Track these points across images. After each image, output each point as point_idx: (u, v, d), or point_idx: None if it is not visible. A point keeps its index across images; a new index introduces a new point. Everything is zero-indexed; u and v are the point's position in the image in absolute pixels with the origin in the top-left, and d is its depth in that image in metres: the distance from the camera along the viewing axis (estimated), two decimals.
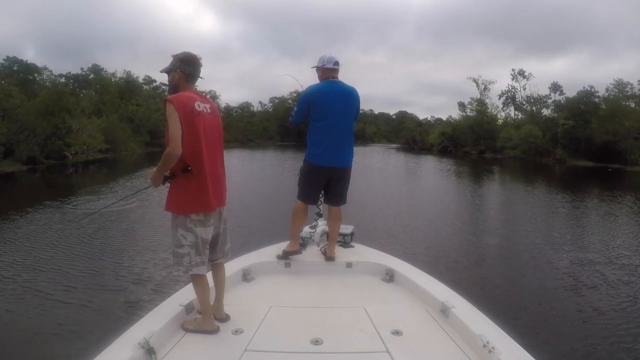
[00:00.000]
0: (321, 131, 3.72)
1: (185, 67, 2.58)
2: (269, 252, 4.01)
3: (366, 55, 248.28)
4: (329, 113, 3.68)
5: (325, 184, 3.86)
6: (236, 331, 2.62)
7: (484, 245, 9.07)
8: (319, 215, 4.24)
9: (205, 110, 2.55)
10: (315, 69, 3.89)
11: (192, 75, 2.62)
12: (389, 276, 3.60)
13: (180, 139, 2.39)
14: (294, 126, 4.10)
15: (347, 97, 3.78)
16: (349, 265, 3.80)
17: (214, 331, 2.59)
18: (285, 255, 3.83)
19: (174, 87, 2.61)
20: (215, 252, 2.77)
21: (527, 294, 6.22)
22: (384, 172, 27.17)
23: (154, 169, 2.51)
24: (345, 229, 4.35)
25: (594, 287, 6.43)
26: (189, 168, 2.49)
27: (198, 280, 2.63)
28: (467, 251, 8.50)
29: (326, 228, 4.20)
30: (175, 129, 2.39)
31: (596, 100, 41.01)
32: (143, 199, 12.51)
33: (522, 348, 2.23)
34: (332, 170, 3.80)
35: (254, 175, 23.69)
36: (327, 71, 3.79)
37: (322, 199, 4.07)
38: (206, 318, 2.61)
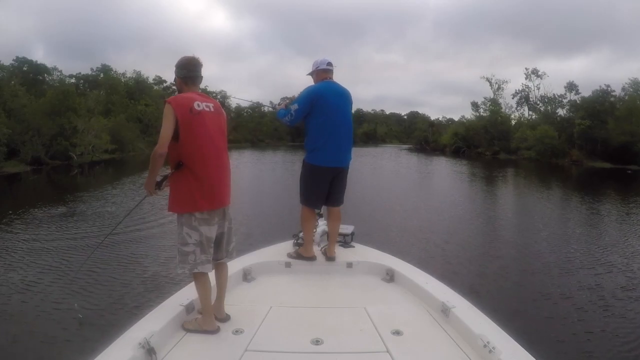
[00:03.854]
0: (323, 131, 3.69)
1: (180, 72, 2.68)
2: (270, 252, 4.03)
3: (382, 54, 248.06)
4: (330, 113, 3.67)
5: (329, 185, 3.83)
6: (237, 331, 2.62)
7: (486, 246, 8.89)
8: (320, 215, 4.23)
9: (206, 109, 2.58)
10: (310, 75, 3.94)
11: (190, 77, 2.68)
12: (390, 276, 3.58)
13: (167, 140, 2.43)
14: (291, 126, 4.12)
15: (345, 97, 3.82)
16: (349, 265, 3.79)
17: (215, 331, 2.59)
18: (299, 257, 3.85)
19: (178, 92, 2.72)
20: (219, 251, 2.77)
21: (528, 294, 6.11)
22: (393, 173, 26.70)
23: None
24: (346, 229, 4.36)
25: (596, 289, 6.24)
26: (181, 163, 2.51)
27: (200, 279, 2.63)
28: (468, 251, 8.33)
29: (326, 228, 4.18)
30: (165, 129, 2.43)
31: (612, 99, 39.79)
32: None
33: (522, 348, 2.20)
34: (335, 170, 3.80)
35: (257, 175, 23.37)
36: (323, 72, 3.82)
37: None
38: (207, 318, 2.61)
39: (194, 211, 2.54)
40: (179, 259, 2.59)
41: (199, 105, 2.54)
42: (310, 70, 3.92)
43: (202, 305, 2.66)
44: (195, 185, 2.52)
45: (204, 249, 2.58)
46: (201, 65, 2.71)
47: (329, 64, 3.81)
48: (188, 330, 2.59)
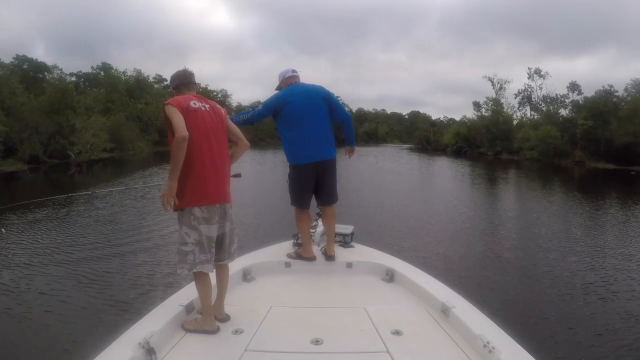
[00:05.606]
0: (295, 130, 3.76)
1: (173, 83, 2.87)
2: (269, 252, 4.04)
3: (385, 53, 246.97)
4: (300, 111, 3.74)
5: (314, 182, 3.84)
6: (236, 331, 2.62)
7: (486, 246, 8.81)
8: (319, 215, 4.20)
9: (202, 108, 2.67)
10: (278, 88, 4.01)
11: (183, 84, 2.84)
12: (389, 276, 3.58)
13: (183, 125, 2.47)
14: (249, 124, 4.11)
15: (313, 92, 3.86)
16: (349, 265, 3.80)
17: (215, 331, 2.59)
18: (299, 257, 3.87)
19: None
20: (222, 252, 2.79)
21: (528, 294, 6.11)
22: (393, 173, 26.48)
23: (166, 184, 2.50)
24: (346, 229, 4.36)
25: (597, 290, 6.21)
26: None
27: (201, 279, 2.65)
28: (468, 251, 8.28)
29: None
30: (177, 119, 2.49)
31: (615, 100, 39.46)
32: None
33: (522, 348, 2.20)
34: (318, 165, 3.80)
35: (256, 174, 23.13)
36: (289, 79, 3.94)
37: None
38: (207, 318, 2.62)
39: (192, 206, 2.56)
40: (178, 259, 2.61)
41: (195, 104, 2.65)
42: (278, 84, 4.01)
43: (202, 305, 2.67)
44: (191, 180, 2.56)
45: (203, 248, 2.59)
46: (192, 74, 2.89)
47: (294, 70, 3.98)
48: (188, 330, 2.59)
